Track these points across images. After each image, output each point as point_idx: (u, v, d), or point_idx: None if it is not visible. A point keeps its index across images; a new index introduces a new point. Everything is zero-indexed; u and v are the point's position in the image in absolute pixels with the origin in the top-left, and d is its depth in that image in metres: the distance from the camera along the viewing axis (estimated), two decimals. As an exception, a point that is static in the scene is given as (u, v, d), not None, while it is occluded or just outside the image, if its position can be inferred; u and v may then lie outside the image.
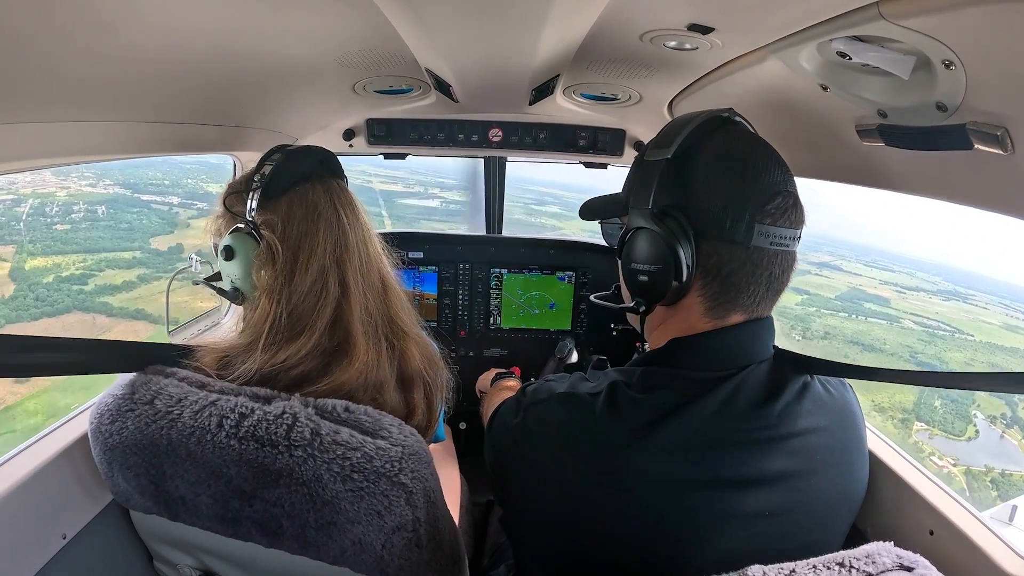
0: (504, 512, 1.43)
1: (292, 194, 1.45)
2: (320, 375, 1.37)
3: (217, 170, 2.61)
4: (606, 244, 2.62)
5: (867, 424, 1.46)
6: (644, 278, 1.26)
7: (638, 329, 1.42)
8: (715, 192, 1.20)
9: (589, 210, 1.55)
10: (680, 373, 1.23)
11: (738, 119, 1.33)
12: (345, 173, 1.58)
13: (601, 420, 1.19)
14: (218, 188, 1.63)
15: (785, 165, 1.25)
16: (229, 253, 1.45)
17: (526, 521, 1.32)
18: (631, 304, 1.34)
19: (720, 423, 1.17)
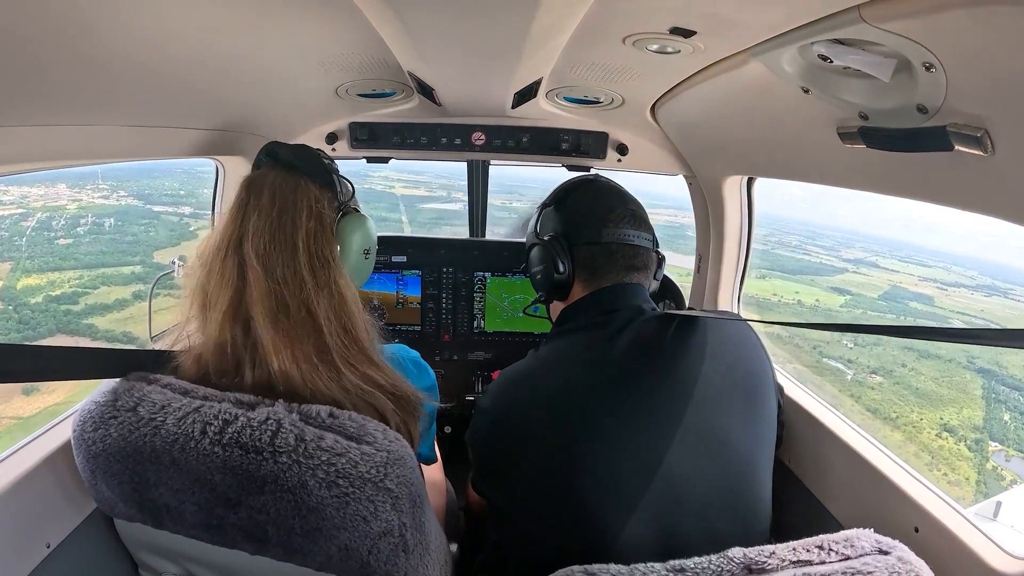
0: (489, 494, 1.72)
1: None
2: (239, 367, 1.36)
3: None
4: None
5: (851, 422, 1.48)
6: (539, 275, 1.83)
7: (550, 319, 1.98)
8: (577, 215, 1.79)
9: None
10: (570, 326, 1.74)
11: (603, 179, 1.91)
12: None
13: (521, 366, 1.71)
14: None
15: (627, 195, 1.82)
16: None
17: (505, 481, 1.62)
18: (538, 296, 1.94)
19: (610, 347, 1.58)
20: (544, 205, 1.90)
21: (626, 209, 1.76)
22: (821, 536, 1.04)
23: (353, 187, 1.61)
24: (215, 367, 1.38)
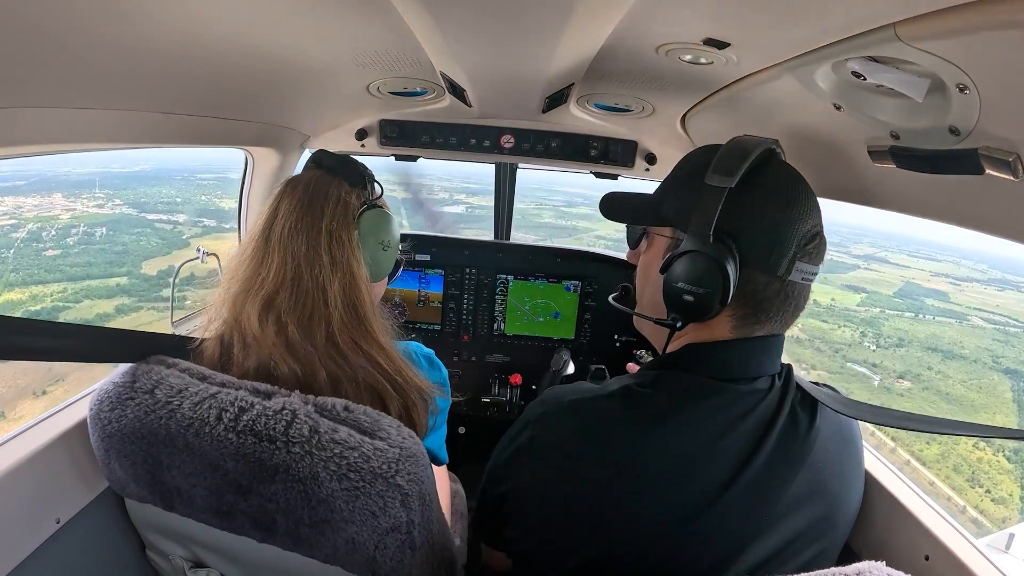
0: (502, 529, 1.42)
1: None
2: (254, 338, 1.40)
3: (234, 185, 2.62)
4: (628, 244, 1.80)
5: (865, 444, 1.46)
6: (689, 298, 1.24)
7: (649, 334, 1.49)
8: (767, 227, 1.22)
9: (615, 209, 1.52)
10: (702, 379, 1.27)
11: (786, 163, 1.35)
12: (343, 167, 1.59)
13: (614, 413, 1.24)
14: (232, 203, 1.68)
15: (818, 203, 1.29)
16: None
17: (535, 530, 1.31)
18: (668, 320, 1.30)
19: (754, 441, 1.21)
20: (722, 183, 1.21)
21: (822, 235, 1.29)
22: (833, 568, 1.02)
23: (383, 191, 1.67)
24: (236, 343, 1.42)
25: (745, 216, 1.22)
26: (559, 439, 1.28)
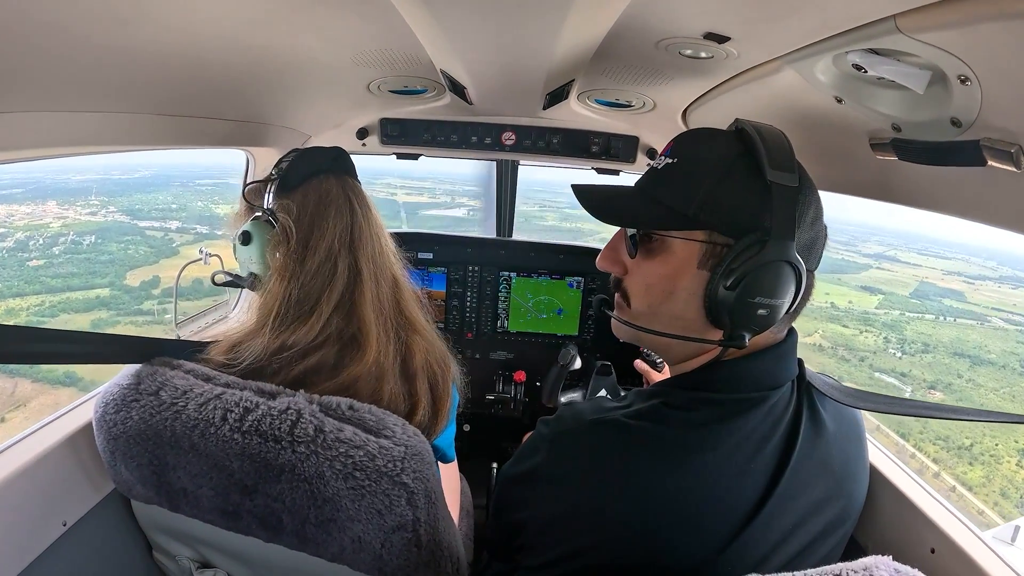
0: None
1: (306, 185, 1.51)
2: (335, 368, 1.39)
3: (233, 191, 2.62)
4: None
5: (869, 437, 1.46)
6: (764, 312, 1.13)
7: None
8: (811, 220, 1.18)
9: (616, 213, 1.34)
10: (728, 396, 1.19)
11: None
12: (366, 182, 1.63)
13: (642, 438, 1.15)
14: (229, 209, 1.67)
15: None
16: (246, 238, 1.51)
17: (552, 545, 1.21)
18: (728, 340, 1.16)
19: (780, 454, 1.17)
20: (789, 181, 1.12)
21: None
22: (839, 564, 1.02)
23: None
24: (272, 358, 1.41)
25: (805, 216, 1.16)
26: (580, 464, 1.18)
